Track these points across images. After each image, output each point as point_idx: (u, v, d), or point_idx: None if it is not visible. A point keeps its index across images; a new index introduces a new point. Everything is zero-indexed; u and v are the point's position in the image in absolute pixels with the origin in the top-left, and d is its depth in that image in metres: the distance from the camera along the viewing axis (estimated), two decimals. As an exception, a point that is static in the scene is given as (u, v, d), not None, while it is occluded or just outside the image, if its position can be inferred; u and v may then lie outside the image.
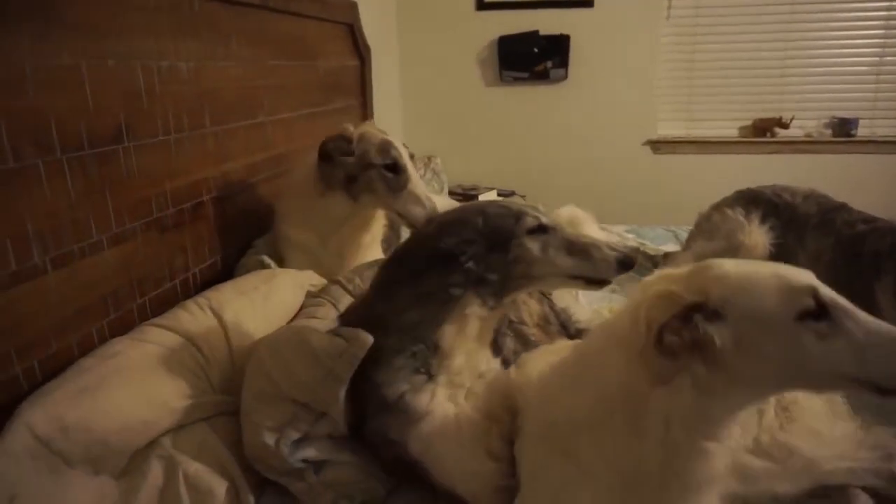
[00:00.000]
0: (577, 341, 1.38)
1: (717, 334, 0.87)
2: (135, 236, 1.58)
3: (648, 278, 1.04)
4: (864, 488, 1.26)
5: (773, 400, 1.31)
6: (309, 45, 2.68)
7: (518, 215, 1.23)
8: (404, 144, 1.91)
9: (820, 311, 0.87)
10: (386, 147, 1.80)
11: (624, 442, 0.96)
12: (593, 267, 1.22)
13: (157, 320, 1.48)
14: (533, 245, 1.21)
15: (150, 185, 1.64)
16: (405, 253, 1.32)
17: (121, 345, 1.36)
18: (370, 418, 1.26)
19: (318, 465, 1.26)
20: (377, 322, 1.24)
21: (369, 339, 1.20)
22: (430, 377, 1.22)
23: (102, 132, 1.45)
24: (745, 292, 0.89)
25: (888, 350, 0.85)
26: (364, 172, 1.80)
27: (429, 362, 1.22)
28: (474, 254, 1.19)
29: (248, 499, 1.25)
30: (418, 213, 1.77)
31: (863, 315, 0.89)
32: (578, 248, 1.22)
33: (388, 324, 1.23)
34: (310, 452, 1.24)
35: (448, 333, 1.21)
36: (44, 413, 1.11)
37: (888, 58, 3.98)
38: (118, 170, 1.50)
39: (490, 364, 1.34)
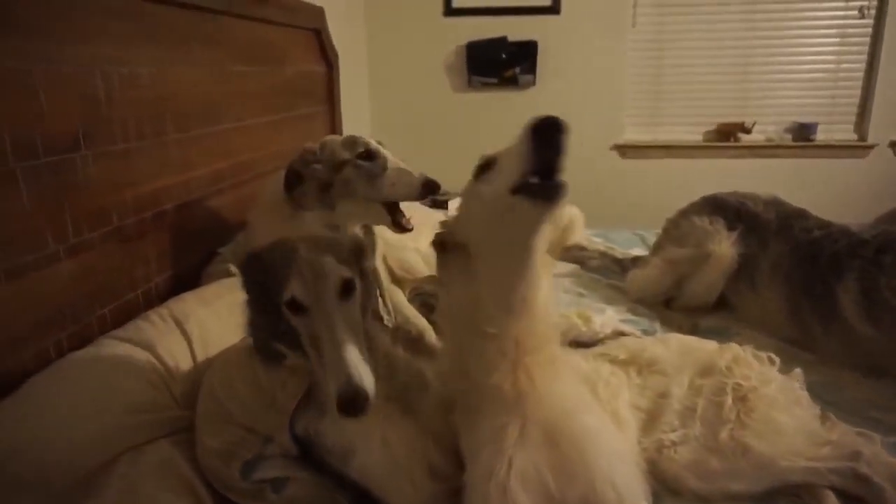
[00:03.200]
0: None
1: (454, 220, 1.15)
2: (93, 247, 1.53)
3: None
4: (832, 488, 1.29)
5: (729, 390, 1.36)
6: (274, 51, 2.66)
7: None
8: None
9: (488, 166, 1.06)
10: (352, 140, 1.76)
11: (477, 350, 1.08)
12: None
13: (116, 333, 1.44)
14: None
15: (110, 194, 1.60)
16: None
17: (77, 360, 1.32)
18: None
19: (277, 483, 1.21)
20: None
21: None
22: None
23: (58, 140, 1.41)
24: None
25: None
26: (338, 173, 1.74)
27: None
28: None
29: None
30: (411, 183, 1.72)
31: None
32: None
33: None
34: (266, 472, 1.19)
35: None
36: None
37: (844, 65, 4.10)
38: (75, 178, 1.46)
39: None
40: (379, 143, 1.81)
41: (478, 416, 1.10)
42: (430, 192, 1.73)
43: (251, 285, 1.15)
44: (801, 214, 2.14)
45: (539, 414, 1.07)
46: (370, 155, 1.74)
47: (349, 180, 1.73)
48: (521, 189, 0.96)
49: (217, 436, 1.18)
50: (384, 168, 1.73)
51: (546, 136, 0.95)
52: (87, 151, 1.49)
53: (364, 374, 1.01)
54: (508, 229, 1.02)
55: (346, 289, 1.10)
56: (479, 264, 1.06)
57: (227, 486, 1.20)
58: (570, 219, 2.81)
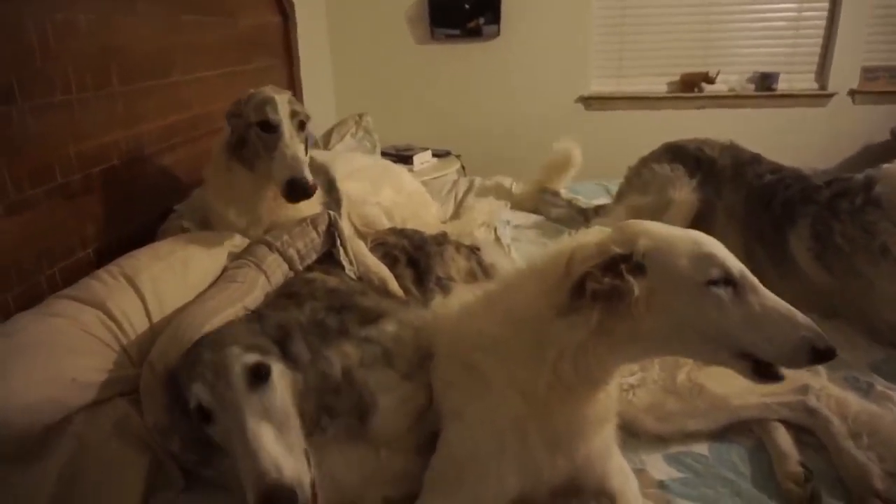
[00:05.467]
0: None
1: (637, 285, 0.93)
2: (38, 204, 1.48)
3: (584, 230, 1.11)
4: (782, 421, 1.34)
5: None
6: (226, 0, 2.54)
7: None
8: (291, 105, 1.65)
9: (726, 281, 0.95)
10: (261, 104, 1.62)
11: (524, 362, 1.03)
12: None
13: (66, 292, 1.39)
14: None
15: (52, 149, 1.53)
16: None
17: (26, 319, 1.28)
18: None
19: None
20: None
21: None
22: None
23: (-11, 91, 1.34)
24: (666, 252, 0.97)
25: (778, 325, 0.93)
26: (248, 133, 1.64)
27: None
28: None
29: (174, 471, 1.22)
30: (282, 176, 1.56)
31: (767, 292, 0.96)
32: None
33: None
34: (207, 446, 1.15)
35: None
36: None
37: (805, 13, 4.11)
38: (11, 132, 1.39)
39: None
40: (302, 115, 1.66)
41: (477, 373, 1.09)
42: (291, 192, 1.56)
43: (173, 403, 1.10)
44: (755, 159, 2.15)
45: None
46: (268, 126, 1.60)
47: (254, 143, 1.63)
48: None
49: (153, 411, 1.16)
50: (275, 147, 1.59)
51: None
52: (23, 104, 1.42)
53: (285, 466, 0.92)
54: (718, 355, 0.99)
55: (257, 375, 1.02)
56: (651, 335, 0.98)
57: (173, 455, 1.19)
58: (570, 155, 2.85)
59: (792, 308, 0.95)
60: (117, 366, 1.28)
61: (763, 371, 0.96)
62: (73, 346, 1.24)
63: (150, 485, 1.18)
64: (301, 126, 1.65)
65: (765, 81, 4.15)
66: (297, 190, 1.55)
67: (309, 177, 1.55)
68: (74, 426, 1.15)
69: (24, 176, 1.43)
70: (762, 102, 4.19)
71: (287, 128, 1.60)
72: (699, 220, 2.18)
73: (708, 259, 0.96)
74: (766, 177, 2.05)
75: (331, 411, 1.11)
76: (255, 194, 1.70)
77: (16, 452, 1.08)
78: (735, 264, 0.97)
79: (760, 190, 2.03)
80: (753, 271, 2.02)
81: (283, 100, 1.63)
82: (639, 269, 0.95)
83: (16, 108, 1.41)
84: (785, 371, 1.40)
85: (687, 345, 0.99)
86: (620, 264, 0.95)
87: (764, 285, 2.08)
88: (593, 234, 1.05)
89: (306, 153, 1.68)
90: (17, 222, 1.41)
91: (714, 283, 0.94)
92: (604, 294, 0.94)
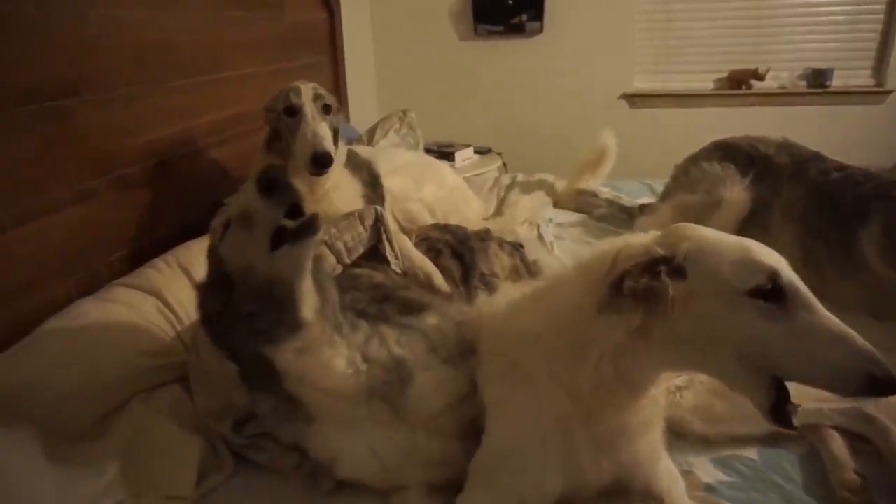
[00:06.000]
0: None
1: (674, 287, 0.91)
2: (98, 193, 1.53)
3: (637, 231, 1.08)
4: (836, 428, 1.30)
5: None
6: (274, -3, 2.59)
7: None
8: (315, 91, 1.71)
9: (774, 294, 0.87)
10: (287, 92, 1.70)
11: (568, 361, 1.02)
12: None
13: (124, 280, 1.45)
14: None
15: (114, 141, 1.59)
16: None
17: (87, 306, 1.33)
18: None
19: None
20: None
21: None
22: None
23: (54, 85, 1.39)
24: (709, 255, 0.92)
25: (831, 346, 0.84)
26: (279, 124, 1.72)
27: None
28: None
29: (226, 454, 1.25)
30: (305, 153, 1.62)
31: (823, 312, 0.87)
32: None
33: None
34: (259, 427, 1.20)
35: None
36: (5, 375, 1.09)
37: (862, 6, 3.96)
38: (75, 125, 1.45)
39: None
40: (330, 106, 1.71)
41: (521, 370, 1.09)
42: (315, 165, 1.64)
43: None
44: (817, 157, 2.08)
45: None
46: (292, 111, 1.67)
47: (284, 132, 1.69)
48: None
49: (204, 395, 1.20)
50: (298, 128, 1.66)
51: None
52: (87, 97, 1.47)
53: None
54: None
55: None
56: (686, 341, 0.94)
57: (224, 439, 1.22)
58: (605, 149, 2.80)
59: (851, 332, 0.85)
60: (172, 352, 1.33)
61: (779, 413, 0.90)
62: (131, 332, 1.29)
63: (202, 467, 1.21)
64: (326, 110, 1.70)
65: (818, 78, 4.01)
66: (320, 163, 1.62)
67: (331, 150, 1.63)
68: (133, 409, 1.19)
69: (88, 166, 1.49)
70: (815, 100, 4.04)
71: (309, 109, 1.67)
72: (752, 219, 2.12)
73: (753, 266, 0.89)
74: (833, 174, 1.97)
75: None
76: None
77: (79, 431, 1.12)
78: (788, 277, 0.88)
79: (826, 186, 1.95)
80: (812, 270, 1.96)
81: (307, 87, 1.69)
82: (679, 272, 0.93)
83: (79, 102, 1.46)
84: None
85: (720, 359, 0.93)
86: (660, 265, 0.93)
87: (823, 285, 2.00)
88: (643, 236, 1.03)
89: (336, 141, 1.72)
90: (81, 211, 1.47)
91: (757, 293, 0.87)
92: (641, 293, 0.92)
